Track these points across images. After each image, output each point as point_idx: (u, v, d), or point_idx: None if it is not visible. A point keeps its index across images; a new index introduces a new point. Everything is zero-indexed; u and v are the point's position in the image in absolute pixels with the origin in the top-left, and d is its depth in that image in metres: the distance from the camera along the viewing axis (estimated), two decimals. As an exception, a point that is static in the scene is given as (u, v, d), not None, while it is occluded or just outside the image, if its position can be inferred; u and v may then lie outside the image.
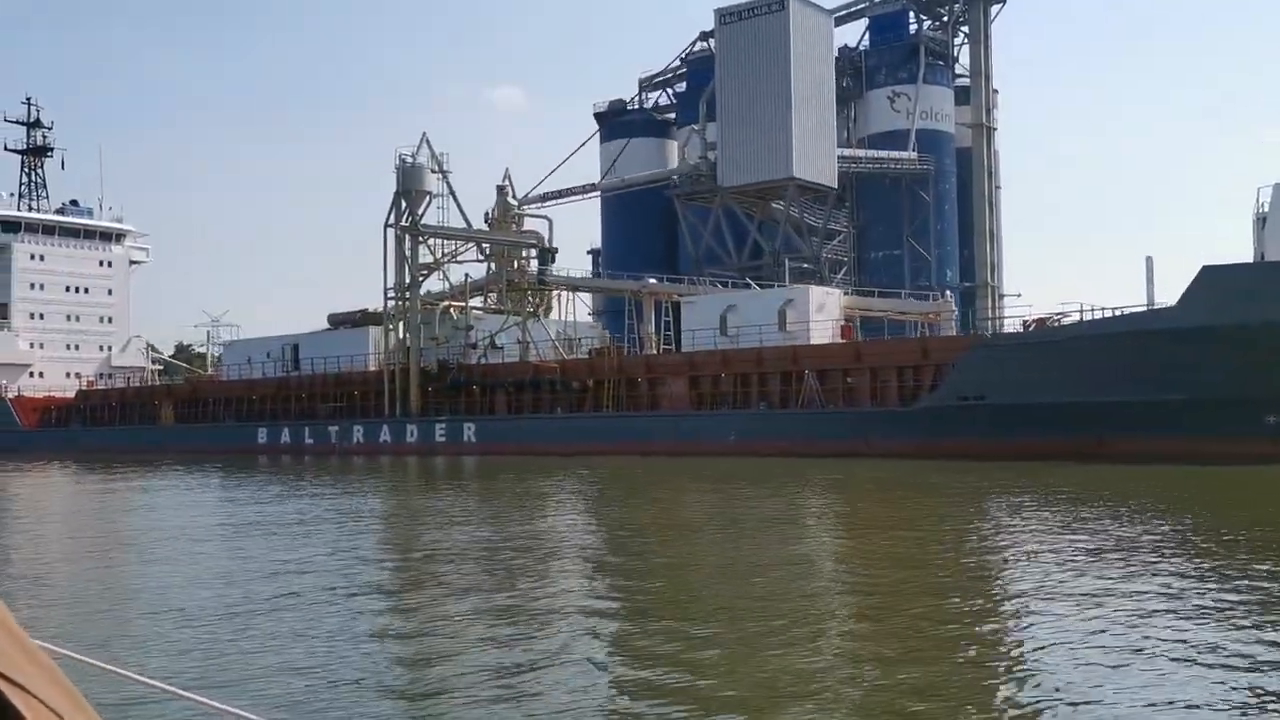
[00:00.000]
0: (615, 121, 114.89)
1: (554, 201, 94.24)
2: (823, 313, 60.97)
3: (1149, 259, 54.93)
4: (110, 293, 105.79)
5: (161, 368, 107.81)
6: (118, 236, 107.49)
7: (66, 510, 40.58)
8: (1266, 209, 50.62)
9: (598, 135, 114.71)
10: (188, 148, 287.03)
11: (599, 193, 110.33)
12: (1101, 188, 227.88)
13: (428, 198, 72.41)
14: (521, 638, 14.71)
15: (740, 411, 57.39)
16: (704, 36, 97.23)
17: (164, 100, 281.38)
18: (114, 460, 68.85)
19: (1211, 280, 44.91)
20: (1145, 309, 49.26)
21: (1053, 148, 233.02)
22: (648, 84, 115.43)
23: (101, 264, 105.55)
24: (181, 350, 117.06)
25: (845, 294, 66.03)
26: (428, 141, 72.94)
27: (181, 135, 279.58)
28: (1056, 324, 53.18)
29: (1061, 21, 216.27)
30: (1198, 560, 20.31)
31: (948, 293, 74.05)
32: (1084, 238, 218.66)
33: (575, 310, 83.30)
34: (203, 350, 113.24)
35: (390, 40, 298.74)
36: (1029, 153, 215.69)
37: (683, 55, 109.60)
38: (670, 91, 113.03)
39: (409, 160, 71.72)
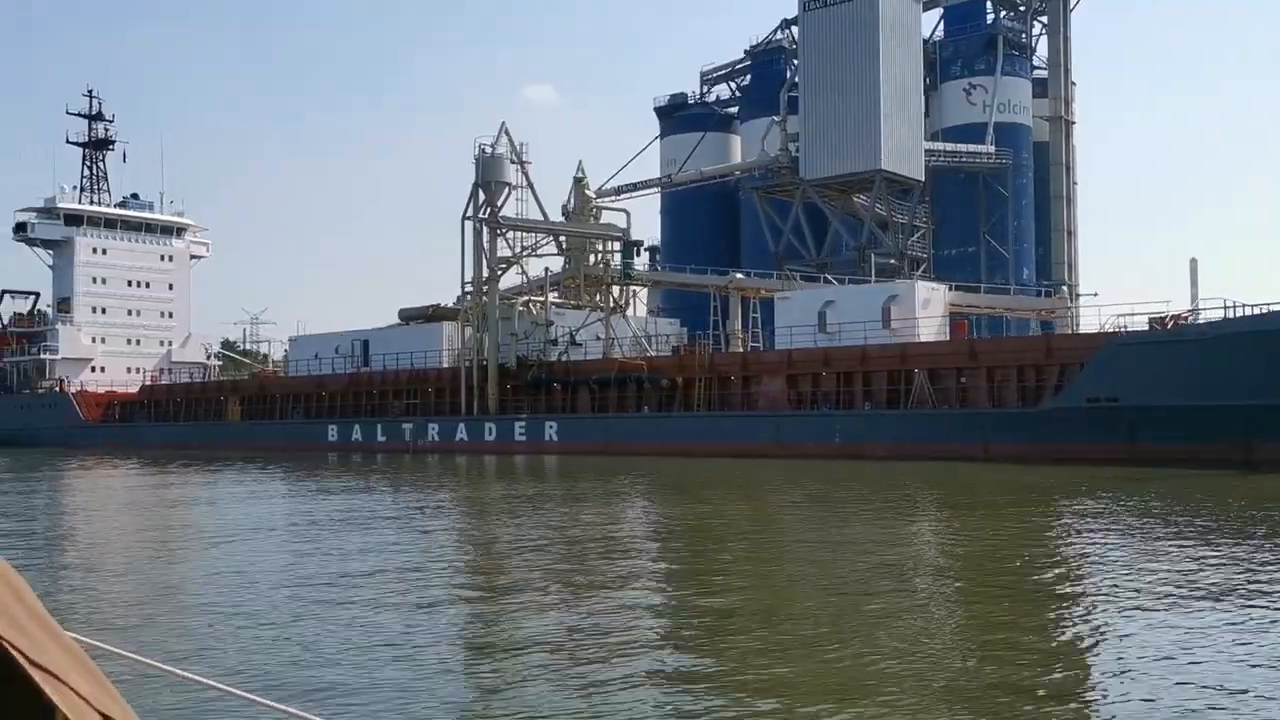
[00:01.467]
0: (678, 116, 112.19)
1: (625, 196, 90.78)
2: (928, 309, 57.61)
3: (1193, 260, 54.86)
4: (171, 287, 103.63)
5: (222, 364, 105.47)
6: (179, 230, 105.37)
7: (140, 505, 38.78)
8: None
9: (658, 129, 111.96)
10: (245, 144, 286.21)
11: (659, 188, 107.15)
12: (1181, 184, 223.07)
13: (507, 189, 69.36)
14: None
15: (844, 412, 54.07)
16: (785, 25, 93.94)
17: (221, 97, 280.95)
18: (180, 456, 66.65)
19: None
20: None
21: (1131, 142, 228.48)
22: (710, 77, 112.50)
23: (162, 258, 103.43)
24: (228, 347, 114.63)
25: (950, 289, 62.40)
26: (507, 131, 69.95)
27: (238, 131, 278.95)
28: (1185, 323, 49.74)
29: (1143, 13, 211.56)
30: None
31: (1064, 289, 70.41)
32: (1157, 235, 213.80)
33: (636, 307, 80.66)
34: (248, 347, 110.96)
35: (429, 39, 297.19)
36: (1107, 145, 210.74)
37: (748, 48, 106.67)
38: (733, 85, 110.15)
39: (488, 150, 68.65)
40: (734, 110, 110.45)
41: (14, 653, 1.66)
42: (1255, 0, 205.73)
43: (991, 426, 49.06)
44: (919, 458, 47.62)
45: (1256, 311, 45.77)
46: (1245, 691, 11.56)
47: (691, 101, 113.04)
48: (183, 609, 17.72)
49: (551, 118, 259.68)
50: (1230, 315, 47.13)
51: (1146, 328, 50.31)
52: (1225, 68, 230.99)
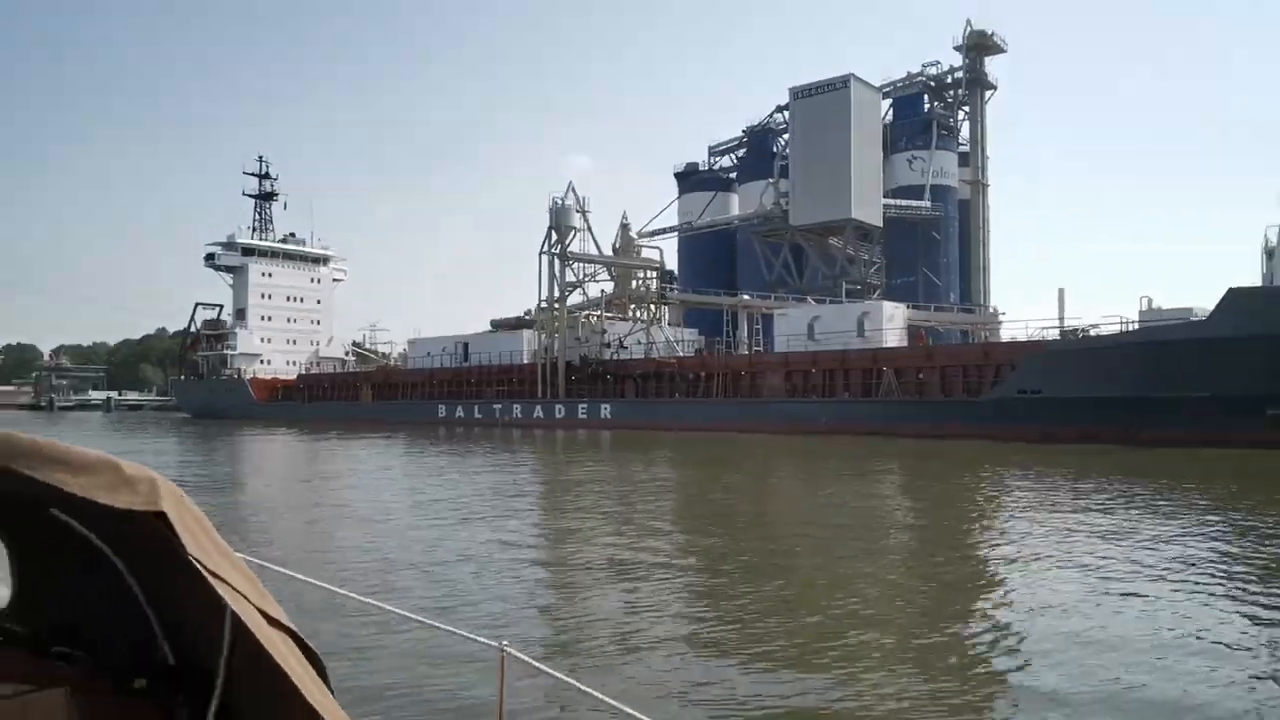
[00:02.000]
0: (691, 179, 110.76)
1: (658, 237, 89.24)
2: (892, 322, 55.99)
3: (1061, 290, 54.92)
4: (319, 302, 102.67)
5: (355, 358, 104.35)
6: (324, 260, 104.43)
7: (302, 457, 38.68)
8: (1275, 243, 45.33)
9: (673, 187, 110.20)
10: (373, 195, 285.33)
11: (677, 233, 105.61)
12: (1063, 230, 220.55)
13: (573, 231, 67.95)
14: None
15: (829, 400, 52.50)
16: (779, 109, 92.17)
17: (355, 161, 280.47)
18: (327, 427, 65.63)
19: (1237, 299, 39.78)
20: (1180, 322, 43.87)
21: (1030, 197, 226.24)
22: (715, 150, 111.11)
23: (312, 280, 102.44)
24: (357, 346, 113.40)
25: (908, 308, 60.74)
26: (573, 189, 68.59)
27: (368, 185, 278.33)
28: (1085, 334, 48.30)
29: (1042, 108, 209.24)
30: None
31: (994, 307, 68.62)
32: (1046, 267, 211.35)
33: (665, 320, 79.17)
34: (369, 347, 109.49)
35: (500, 120, 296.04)
36: (1014, 199, 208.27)
37: (745, 129, 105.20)
38: (733, 156, 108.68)
39: (559, 201, 67.33)
40: (733, 175, 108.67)
41: (198, 565, 1.66)
42: (1116, 100, 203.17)
43: (944, 412, 47.50)
44: (888, 434, 46.24)
45: (1137, 327, 44.69)
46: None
47: (702, 169, 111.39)
48: (327, 528, 16.87)
49: (587, 179, 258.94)
50: (1122, 330, 45.67)
51: (1058, 337, 48.83)
52: (1103, 142, 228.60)
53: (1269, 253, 45.58)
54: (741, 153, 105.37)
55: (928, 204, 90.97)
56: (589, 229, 70.11)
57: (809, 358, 54.83)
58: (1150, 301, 53.36)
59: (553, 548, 15.10)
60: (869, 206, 75.20)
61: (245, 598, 1.75)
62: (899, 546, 15.32)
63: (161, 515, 1.67)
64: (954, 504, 21.33)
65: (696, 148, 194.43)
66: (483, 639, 2.95)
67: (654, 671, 7.96)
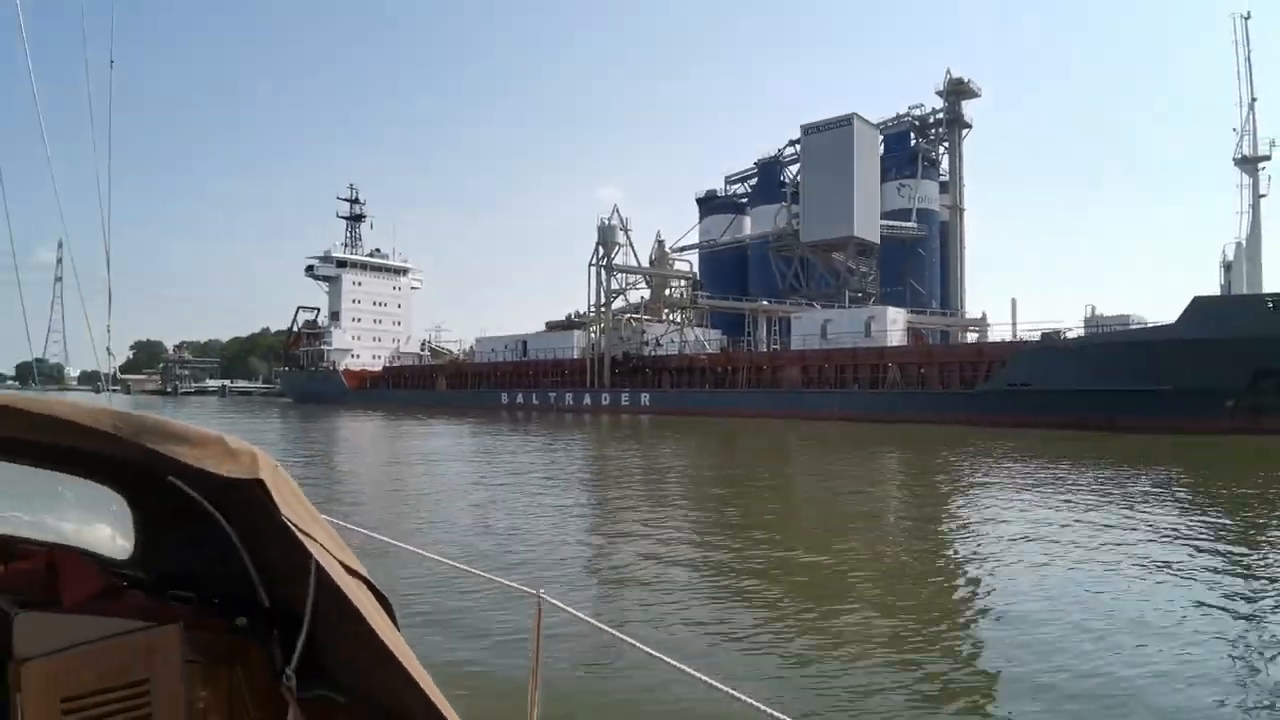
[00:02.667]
0: (710, 204, 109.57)
1: (685, 253, 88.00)
2: (895, 325, 54.55)
3: (1014, 300, 56.75)
4: (399, 307, 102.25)
5: (429, 353, 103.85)
6: (404, 271, 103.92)
7: (389, 434, 37.75)
8: (1230, 258, 43.76)
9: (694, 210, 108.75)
10: (448, 218, 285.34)
11: (697, 249, 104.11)
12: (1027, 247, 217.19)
13: (617, 246, 66.92)
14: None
15: (840, 391, 51.22)
16: (791, 143, 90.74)
17: (431, 190, 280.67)
18: (408, 411, 65.10)
19: (1200, 307, 38.27)
20: (1151, 326, 42.32)
21: (1002, 219, 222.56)
22: (731, 179, 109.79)
23: (394, 289, 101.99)
24: (428, 344, 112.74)
25: (907, 313, 59.28)
26: (617, 210, 67.61)
27: (441, 209, 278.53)
28: (1064, 336, 46.75)
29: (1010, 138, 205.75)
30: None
31: (983, 312, 66.94)
32: (1008, 279, 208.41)
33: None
34: (435, 346, 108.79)
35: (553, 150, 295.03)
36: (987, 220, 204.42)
37: (756, 161, 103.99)
38: (746, 184, 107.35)
39: (605, 221, 66.34)
40: (745, 200, 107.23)
41: (290, 525, 1.71)
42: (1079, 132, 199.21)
43: (942, 402, 46.14)
44: (893, 421, 44.93)
45: (1115, 329, 43.15)
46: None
47: (720, 195, 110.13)
48: (411, 495, 16.17)
49: (613, 207, 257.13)
50: (1097, 331, 44.22)
51: (1039, 338, 47.32)
52: (1065, 172, 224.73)
53: (1226, 266, 44.00)
54: (753, 181, 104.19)
55: (914, 225, 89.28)
56: (630, 245, 69.11)
57: (823, 354, 53.58)
58: (1094, 309, 52.17)
59: (604, 510, 14.50)
60: (868, 226, 73.70)
61: (328, 552, 1.79)
62: (903, 510, 14.95)
63: (260, 483, 1.71)
64: (954, 472, 20.25)
65: (713, 178, 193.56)
66: (523, 587, 2.81)
67: (679, 615, 7.76)
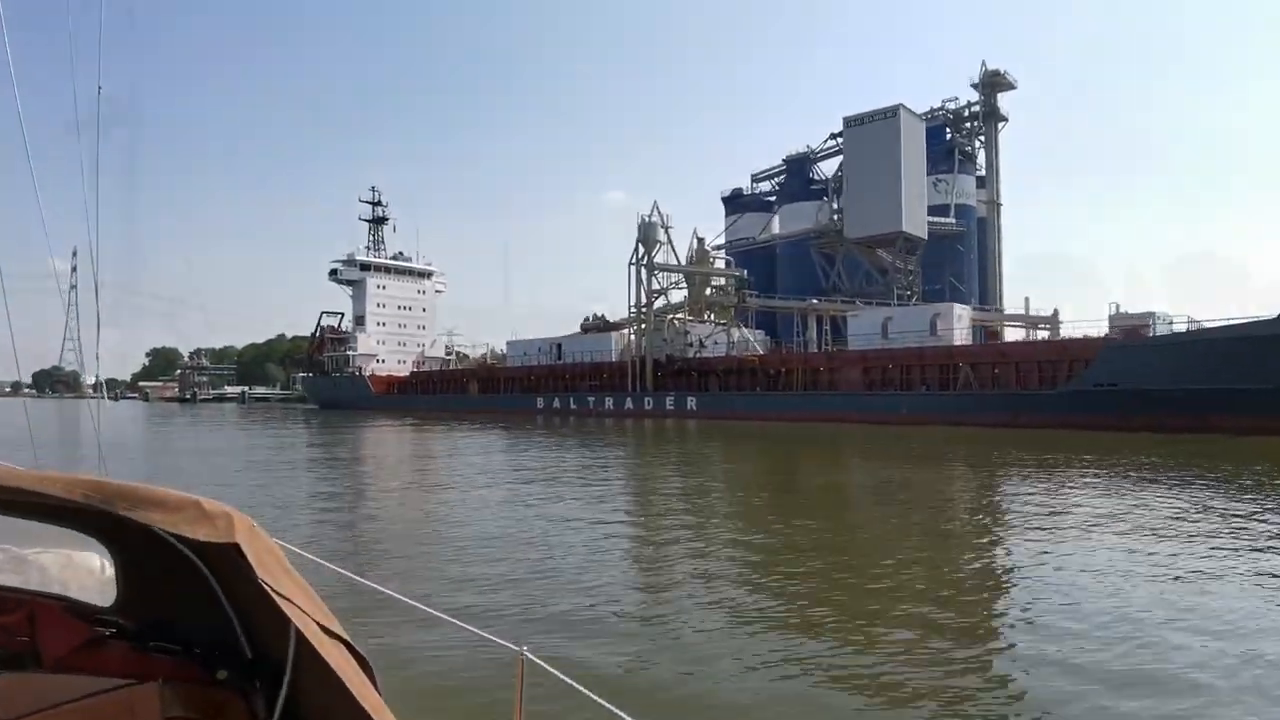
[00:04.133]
0: (736, 202, 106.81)
1: (722, 252, 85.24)
2: (960, 322, 51.73)
3: (1026, 299, 50.34)
4: (424, 310, 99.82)
5: (454, 357, 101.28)
6: (428, 274, 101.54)
7: (419, 440, 35.66)
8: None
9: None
10: (470, 219, 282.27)
11: (724, 248, 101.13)
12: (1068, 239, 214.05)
13: (658, 245, 64.28)
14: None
15: (906, 393, 48.38)
16: (833, 136, 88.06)
17: (451, 192, 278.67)
18: (438, 417, 62.55)
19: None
20: (1249, 320, 39.43)
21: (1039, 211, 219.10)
22: (758, 177, 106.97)
23: (418, 292, 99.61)
24: (449, 349, 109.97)
25: (973, 309, 56.45)
26: (657, 208, 64.98)
27: (464, 210, 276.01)
28: (1147, 331, 43.95)
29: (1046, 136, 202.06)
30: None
31: (1055, 309, 64.07)
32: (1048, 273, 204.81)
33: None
34: (453, 350, 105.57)
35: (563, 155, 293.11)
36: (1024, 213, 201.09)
37: (785, 157, 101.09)
38: (773, 182, 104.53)
39: (645, 218, 63.67)
40: (772, 199, 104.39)
41: (266, 588, 1.75)
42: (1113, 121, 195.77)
43: (1020, 403, 43.25)
44: (966, 424, 42.07)
45: (1203, 326, 40.33)
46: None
47: (746, 194, 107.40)
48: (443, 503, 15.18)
49: (620, 210, 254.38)
50: (1189, 328, 41.35)
51: (1119, 335, 44.49)
52: (1099, 164, 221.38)
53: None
54: (781, 179, 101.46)
55: (952, 220, 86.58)
56: (670, 243, 66.45)
57: (886, 355, 50.78)
58: (1117, 306, 49.85)
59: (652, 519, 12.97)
60: (916, 221, 70.89)
61: (306, 614, 1.78)
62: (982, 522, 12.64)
63: (235, 546, 1.74)
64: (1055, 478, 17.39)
65: (737, 175, 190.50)
66: (504, 642, 2.74)
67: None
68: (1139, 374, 39.16)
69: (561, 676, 2.56)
